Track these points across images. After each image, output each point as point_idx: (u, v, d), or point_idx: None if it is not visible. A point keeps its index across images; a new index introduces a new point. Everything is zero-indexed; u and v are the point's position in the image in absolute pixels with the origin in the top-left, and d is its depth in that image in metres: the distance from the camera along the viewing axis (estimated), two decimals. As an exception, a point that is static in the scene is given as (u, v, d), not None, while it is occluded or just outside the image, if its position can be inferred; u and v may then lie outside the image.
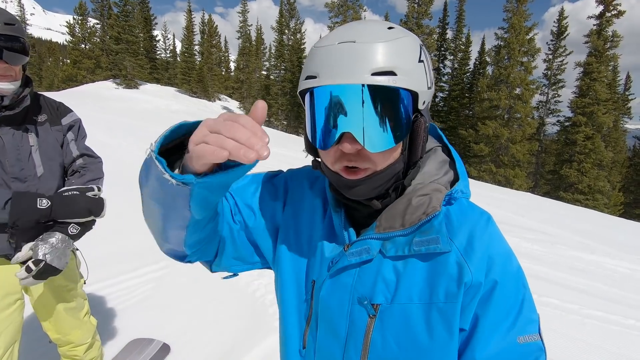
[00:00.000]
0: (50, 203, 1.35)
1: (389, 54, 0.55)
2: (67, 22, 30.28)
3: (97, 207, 1.46)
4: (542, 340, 0.61)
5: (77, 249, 1.75)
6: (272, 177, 0.82)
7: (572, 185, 22.49)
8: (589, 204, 20.61)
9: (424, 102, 0.60)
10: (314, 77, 0.57)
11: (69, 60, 32.33)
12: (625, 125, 29.46)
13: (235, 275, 0.82)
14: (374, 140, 0.55)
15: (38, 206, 1.33)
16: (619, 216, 17.67)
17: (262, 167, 0.80)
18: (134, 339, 2.42)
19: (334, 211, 0.69)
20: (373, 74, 0.54)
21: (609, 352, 3.06)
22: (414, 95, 0.58)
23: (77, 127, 1.65)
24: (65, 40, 32.12)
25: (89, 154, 1.67)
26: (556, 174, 23.90)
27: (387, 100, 0.55)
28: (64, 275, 1.61)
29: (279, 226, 0.78)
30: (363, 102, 0.54)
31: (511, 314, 0.59)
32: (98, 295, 2.89)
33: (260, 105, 0.46)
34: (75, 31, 29.95)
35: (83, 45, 30.60)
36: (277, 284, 0.79)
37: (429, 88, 0.61)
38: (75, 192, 1.44)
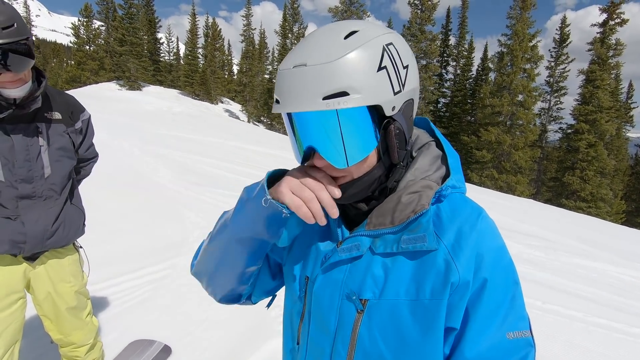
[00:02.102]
0: None
1: (339, 74, 0.55)
2: (72, 23, 30.50)
3: None
4: (532, 336, 0.61)
5: (81, 247, 1.74)
6: None
7: (575, 192, 22.42)
8: (591, 211, 20.53)
9: (393, 108, 0.59)
10: (278, 102, 0.60)
11: (73, 62, 32.50)
12: (627, 134, 29.45)
13: (274, 297, 0.87)
14: (339, 157, 0.58)
15: None
16: (621, 224, 17.58)
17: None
18: (134, 340, 2.39)
19: None
20: (324, 98, 0.55)
21: (610, 359, 3.02)
22: (376, 106, 0.58)
23: (85, 128, 1.64)
24: (70, 42, 32.37)
25: (87, 157, 1.71)
26: (558, 181, 23.83)
27: (342, 120, 0.57)
28: (69, 272, 1.60)
29: None
30: (321, 125, 0.58)
31: (501, 311, 0.59)
32: (98, 295, 2.86)
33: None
34: (80, 33, 30.16)
35: (87, 47, 30.79)
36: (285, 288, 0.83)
37: (398, 92, 0.60)
38: None
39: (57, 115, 1.47)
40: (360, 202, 0.67)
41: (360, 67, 0.56)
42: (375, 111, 0.59)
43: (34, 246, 1.44)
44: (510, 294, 0.61)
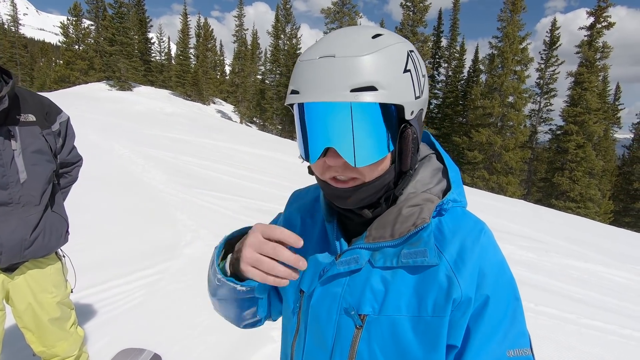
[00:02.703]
0: None
1: (369, 68, 0.54)
2: (61, 22, 30.02)
3: None
4: (532, 354, 0.60)
5: (65, 255, 1.67)
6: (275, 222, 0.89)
7: (564, 193, 22.75)
8: (580, 211, 20.85)
9: (412, 113, 0.59)
10: (297, 93, 0.57)
11: (61, 61, 31.98)
12: (614, 135, 30.03)
13: None
14: (356, 155, 0.56)
15: None
16: (609, 224, 17.89)
17: (270, 175, 0.76)
18: (123, 349, 2.32)
19: (327, 221, 0.70)
20: (352, 90, 0.53)
21: (606, 361, 3.03)
22: (399, 107, 0.58)
23: (64, 130, 1.57)
24: (59, 41, 31.82)
25: (70, 161, 1.65)
26: (548, 181, 24.17)
27: (367, 115, 0.55)
28: (51, 282, 1.53)
29: None
30: (343, 119, 0.55)
31: (502, 328, 0.58)
32: (87, 302, 2.78)
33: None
34: (69, 32, 29.70)
35: (77, 46, 30.33)
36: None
37: (418, 97, 0.60)
38: None
39: (30, 117, 1.40)
40: (365, 208, 0.64)
41: (390, 65, 0.56)
42: (399, 114, 0.59)
43: (11, 257, 1.36)
44: (511, 310, 0.59)
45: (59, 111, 1.55)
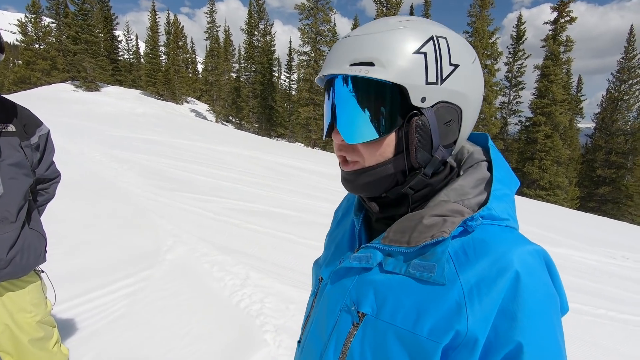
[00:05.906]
0: None
1: (373, 45, 0.55)
2: (18, 20, 28.25)
3: None
4: None
5: (43, 271, 1.57)
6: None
7: (535, 181, 23.75)
8: (550, 199, 21.85)
9: (422, 99, 0.54)
10: None
11: (20, 61, 30.18)
12: (578, 125, 31.56)
13: None
14: (350, 131, 0.57)
15: None
16: (576, 209, 18.84)
17: (250, 175, 0.73)
18: (109, 363, 2.22)
19: (355, 214, 0.71)
20: (351, 65, 0.55)
21: (583, 340, 3.20)
22: (404, 91, 0.54)
23: (44, 144, 1.47)
24: (17, 40, 29.97)
25: (48, 177, 1.56)
26: (519, 171, 25.15)
27: (363, 91, 0.56)
28: (29, 301, 1.43)
29: None
30: (341, 93, 0.57)
31: None
32: (66, 316, 2.65)
33: None
34: (27, 30, 28.02)
35: (37, 45, 28.70)
36: None
37: (432, 83, 0.54)
38: None
39: (10, 128, 1.30)
40: (372, 201, 0.64)
41: (394, 45, 0.55)
42: (405, 99, 0.55)
43: None
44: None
45: (38, 123, 1.44)
